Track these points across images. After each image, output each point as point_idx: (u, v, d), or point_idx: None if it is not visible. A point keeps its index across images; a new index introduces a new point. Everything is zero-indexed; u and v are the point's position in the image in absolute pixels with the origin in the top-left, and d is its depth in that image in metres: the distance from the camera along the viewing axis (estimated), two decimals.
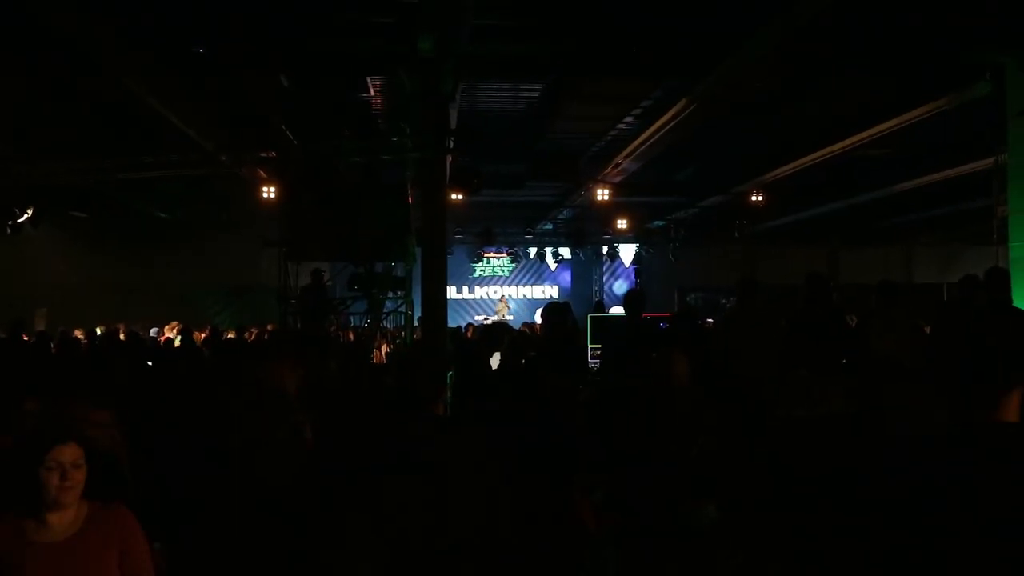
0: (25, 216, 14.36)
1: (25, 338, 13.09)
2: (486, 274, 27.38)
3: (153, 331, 18.66)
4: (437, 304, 10.15)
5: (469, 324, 15.93)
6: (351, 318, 15.92)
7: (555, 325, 7.91)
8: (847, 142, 13.81)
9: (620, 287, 27.25)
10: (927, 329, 7.83)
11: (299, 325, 12.45)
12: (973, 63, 10.11)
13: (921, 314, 8.97)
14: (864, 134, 13.26)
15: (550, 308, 8.19)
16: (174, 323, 19.02)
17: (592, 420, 5.91)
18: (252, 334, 15.51)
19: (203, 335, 14.72)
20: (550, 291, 27.63)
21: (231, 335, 14.69)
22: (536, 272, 27.54)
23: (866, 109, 12.71)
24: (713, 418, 4.44)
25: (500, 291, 26.93)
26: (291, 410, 3.97)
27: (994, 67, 9.93)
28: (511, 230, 24.67)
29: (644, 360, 5.43)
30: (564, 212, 22.52)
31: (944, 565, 3.39)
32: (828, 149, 14.43)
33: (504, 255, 26.85)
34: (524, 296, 27.32)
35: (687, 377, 4.59)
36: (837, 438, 4.99)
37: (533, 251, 26.29)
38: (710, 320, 16.29)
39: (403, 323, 13.42)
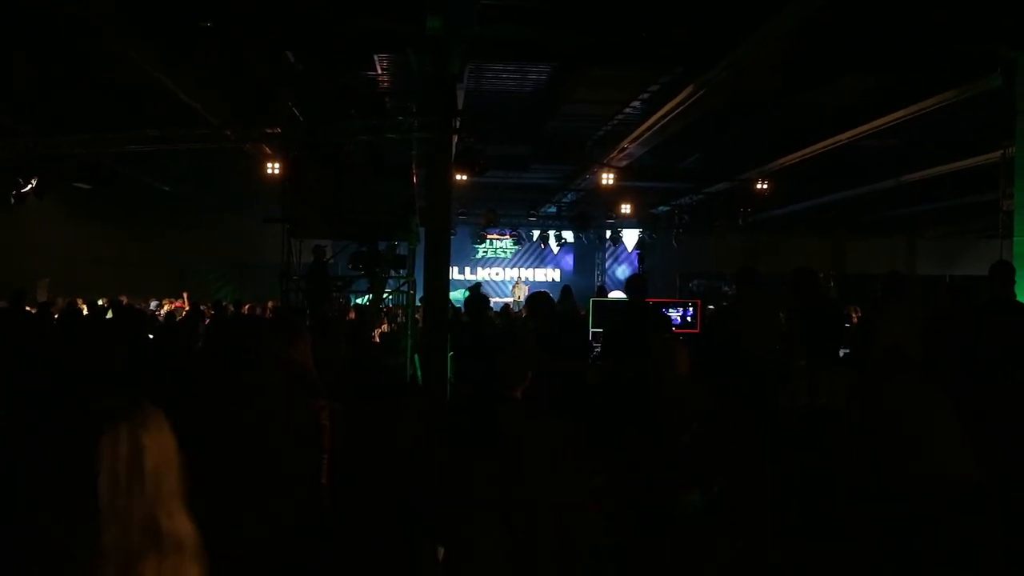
0: (29, 186, 14.32)
1: (28, 308, 13.09)
2: (489, 255, 27.38)
3: (154, 304, 18.70)
4: (440, 284, 10.14)
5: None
6: (352, 296, 15.91)
7: (541, 314, 7.92)
8: (854, 132, 13.77)
9: (622, 271, 27.25)
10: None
11: (305, 303, 12.42)
12: (984, 57, 10.07)
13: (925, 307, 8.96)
14: (871, 124, 13.22)
15: (534, 298, 8.19)
16: (185, 295, 19.04)
17: (594, 404, 5.92)
18: (246, 309, 15.55)
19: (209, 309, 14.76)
20: (552, 274, 27.64)
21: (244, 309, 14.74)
22: (539, 255, 27.53)
23: (873, 99, 12.67)
24: (708, 406, 4.44)
25: (517, 273, 26.90)
26: (312, 393, 3.95)
27: (1005, 61, 9.88)
28: (515, 212, 24.62)
29: (646, 345, 5.42)
30: (568, 195, 22.49)
31: (942, 558, 3.39)
32: (835, 139, 14.39)
33: (507, 237, 26.82)
34: (527, 278, 27.34)
35: (686, 365, 4.59)
36: (837, 429, 4.99)
37: (536, 234, 26.26)
38: (711, 307, 16.31)
39: (405, 302, 13.39)
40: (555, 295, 10.46)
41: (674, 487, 4.16)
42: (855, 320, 11.96)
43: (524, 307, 11.92)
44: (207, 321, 12.33)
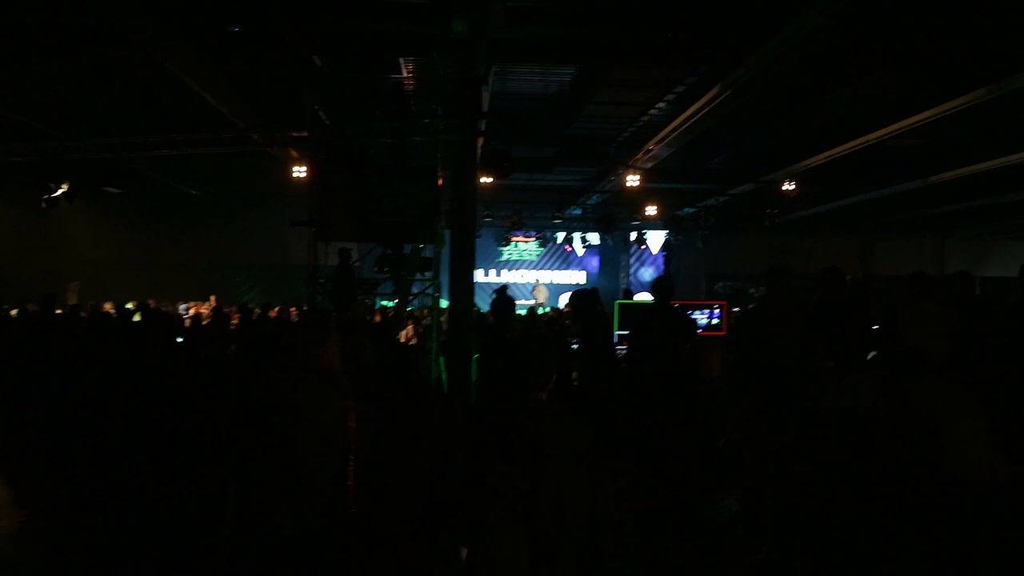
0: (60, 191, 14.48)
1: (58, 311, 13.24)
2: (513, 258, 27.35)
3: (182, 307, 18.86)
4: (465, 287, 10.16)
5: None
6: (378, 299, 15.97)
7: (585, 313, 7.93)
8: (882, 132, 13.66)
9: (648, 274, 27.16)
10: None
11: (332, 305, 12.48)
12: (1014, 55, 9.96)
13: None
14: (899, 124, 13.10)
15: (580, 296, 8.19)
16: (212, 298, 19.21)
17: (620, 407, 5.91)
18: (276, 311, 15.64)
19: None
20: (577, 276, 27.57)
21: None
22: (564, 257, 27.49)
23: (902, 99, 12.56)
24: (742, 410, 4.42)
25: (536, 275, 26.83)
26: (341, 394, 3.97)
27: None
28: (540, 214, 24.62)
29: (673, 348, 5.41)
30: (593, 197, 22.46)
31: (970, 562, 3.36)
32: (863, 139, 14.27)
33: (532, 239, 26.80)
34: (552, 281, 27.28)
35: (719, 368, 4.57)
36: (864, 431, 4.96)
37: (561, 236, 26.22)
38: (736, 309, 16.23)
39: (430, 305, 13.43)
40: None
41: (710, 490, 4.15)
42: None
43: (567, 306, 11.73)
44: (233, 324, 12.42)
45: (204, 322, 14.64)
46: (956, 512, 3.35)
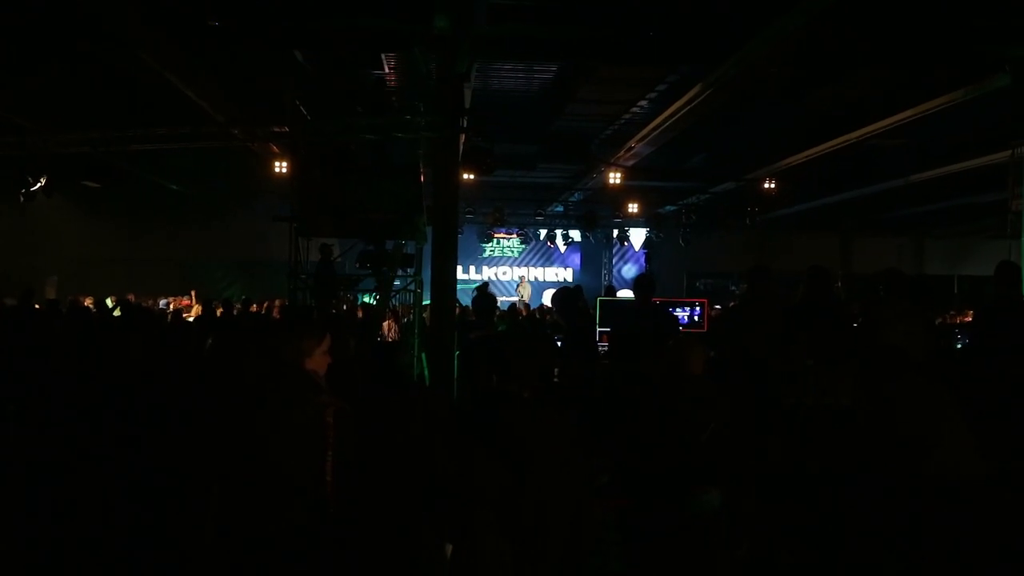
0: (39, 185, 14.35)
1: (36, 306, 13.16)
2: (495, 255, 27.36)
3: (163, 302, 18.77)
4: (447, 283, 10.16)
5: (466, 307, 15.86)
6: (360, 295, 15.93)
7: (571, 311, 7.95)
8: (862, 131, 13.75)
9: (629, 271, 27.24)
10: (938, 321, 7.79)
11: (312, 301, 12.44)
12: (993, 56, 10.04)
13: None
14: (879, 124, 13.19)
15: (563, 294, 8.20)
16: (192, 293, 19.11)
17: (601, 404, 5.92)
18: (263, 307, 15.60)
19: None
20: (563, 274, 27.64)
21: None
22: (545, 254, 27.51)
23: (882, 99, 12.63)
24: (724, 406, 4.45)
25: (520, 272, 26.88)
26: (317, 391, 3.95)
27: (1014, 60, 9.86)
28: (522, 211, 24.63)
29: (654, 345, 5.43)
30: (575, 195, 22.50)
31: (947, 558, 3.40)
32: (843, 138, 14.36)
33: (514, 236, 26.79)
34: (535, 278, 27.33)
35: (701, 365, 4.60)
36: (843, 429, 4.99)
37: (543, 233, 26.23)
38: (717, 307, 16.29)
39: (412, 301, 13.41)
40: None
41: (692, 485, 4.18)
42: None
43: (551, 303, 11.78)
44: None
45: (190, 316, 14.61)
46: (936, 509, 3.39)
